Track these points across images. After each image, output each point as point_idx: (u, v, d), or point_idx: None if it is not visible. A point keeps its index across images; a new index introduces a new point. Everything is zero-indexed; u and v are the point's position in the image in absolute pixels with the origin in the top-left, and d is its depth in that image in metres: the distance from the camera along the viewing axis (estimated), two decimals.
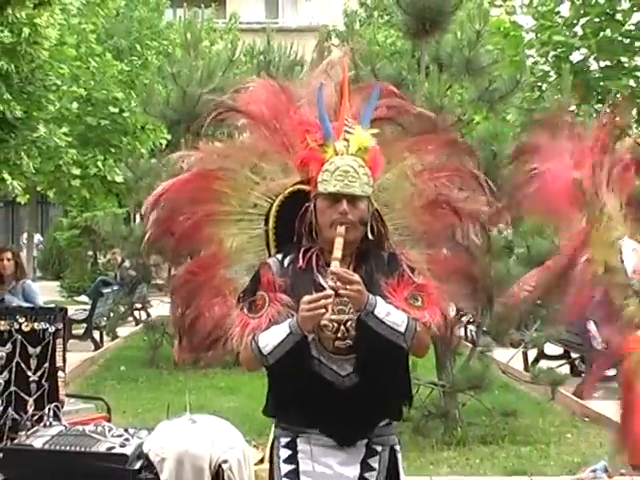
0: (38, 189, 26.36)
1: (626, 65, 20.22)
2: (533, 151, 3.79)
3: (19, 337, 5.95)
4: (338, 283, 3.38)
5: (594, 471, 6.34)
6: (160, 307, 14.70)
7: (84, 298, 20.19)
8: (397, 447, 3.70)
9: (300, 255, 3.60)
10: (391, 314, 3.46)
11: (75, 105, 21.42)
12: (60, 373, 6.06)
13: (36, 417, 5.76)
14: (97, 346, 16.29)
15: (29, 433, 5.39)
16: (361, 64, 9.41)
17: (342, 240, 3.46)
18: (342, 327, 3.45)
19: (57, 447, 5.16)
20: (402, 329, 3.46)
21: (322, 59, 4.16)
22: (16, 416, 5.83)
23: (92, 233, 24.42)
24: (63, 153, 19.93)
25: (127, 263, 19.27)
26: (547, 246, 9.24)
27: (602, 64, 20.32)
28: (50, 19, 15.67)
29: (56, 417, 5.69)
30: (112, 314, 17.50)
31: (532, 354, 13.64)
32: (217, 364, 11.72)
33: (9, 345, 5.94)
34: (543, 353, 13.65)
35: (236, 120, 3.93)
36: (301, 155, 3.66)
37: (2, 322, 5.99)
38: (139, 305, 18.15)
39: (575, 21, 20.24)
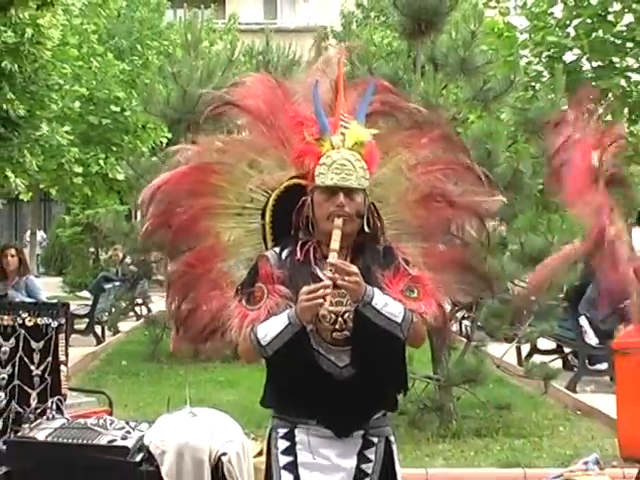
0: (41, 187, 26.31)
1: (618, 65, 20.20)
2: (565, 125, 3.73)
3: (22, 332, 5.95)
4: (336, 274, 3.37)
5: (586, 463, 6.34)
6: (161, 302, 14.66)
7: (86, 294, 20.21)
8: (392, 438, 3.71)
9: (298, 248, 3.60)
10: (388, 305, 3.46)
11: (77, 104, 21.37)
12: (63, 367, 6.06)
13: (39, 410, 5.76)
14: (99, 341, 16.31)
15: (32, 426, 5.39)
16: (358, 64, 9.41)
17: (340, 232, 3.45)
18: (339, 318, 3.44)
19: (60, 439, 5.16)
20: (399, 320, 3.46)
21: (327, 60, 4.16)
22: (19, 409, 5.83)
23: (94, 230, 24.41)
24: (65, 151, 19.91)
25: (128, 259, 19.30)
26: (540, 243, 9.26)
27: (594, 64, 20.29)
28: (53, 20, 15.65)
29: (59, 410, 5.69)
30: (113, 309, 17.47)
31: (525, 349, 13.67)
32: (215, 356, 11.72)
33: (13, 340, 5.95)
34: (536, 348, 13.67)
35: (233, 114, 3.92)
36: (298, 149, 3.66)
37: (6, 317, 5.99)
38: (140, 300, 18.15)
39: (568, 22, 20.21)
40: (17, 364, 5.92)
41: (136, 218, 23.81)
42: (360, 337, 3.46)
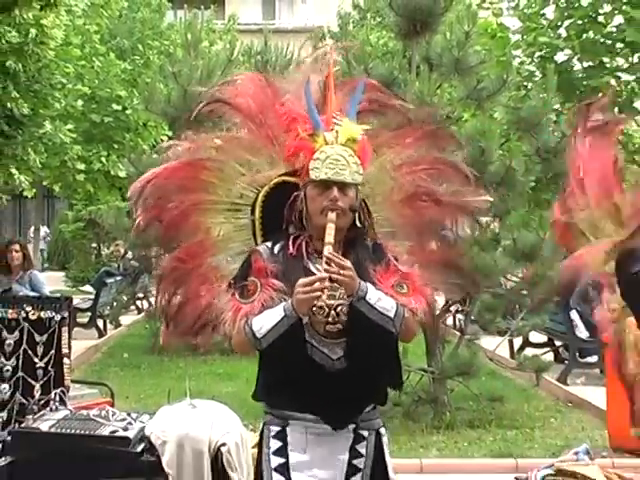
0: (44, 183, 26.32)
1: (608, 65, 20.21)
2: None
3: (26, 325, 5.94)
4: (331, 267, 3.36)
5: (576, 454, 6.33)
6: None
7: (88, 288, 20.13)
8: (382, 430, 3.68)
9: (290, 242, 3.58)
10: (381, 300, 3.45)
11: (80, 103, 21.39)
12: (65, 360, 6.06)
13: (43, 402, 5.76)
14: (101, 334, 16.32)
15: (36, 417, 5.39)
16: (354, 64, 9.41)
17: (333, 226, 3.44)
18: (332, 312, 3.40)
19: (63, 430, 5.16)
20: (391, 314, 3.45)
21: (317, 59, 4.15)
22: (23, 400, 5.84)
23: (96, 226, 24.35)
24: (68, 149, 19.89)
25: (129, 254, 19.26)
26: (532, 238, 9.27)
27: (585, 64, 20.30)
28: (56, 20, 15.62)
29: (62, 402, 5.68)
30: (115, 303, 17.46)
31: (518, 342, 13.69)
32: (207, 348, 11.74)
33: (17, 333, 5.94)
34: (528, 341, 13.69)
35: (223, 112, 3.90)
36: (292, 144, 3.64)
37: (10, 311, 5.98)
38: (141, 295, 18.13)
39: (559, 23, 20.22)
40: (21, 356, 5.92)
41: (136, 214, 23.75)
42: (354, 331, 3.44)
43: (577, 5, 19.74)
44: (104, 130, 24.32)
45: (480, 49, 10.26)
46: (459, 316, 13.13)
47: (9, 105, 15.07)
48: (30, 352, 5.93)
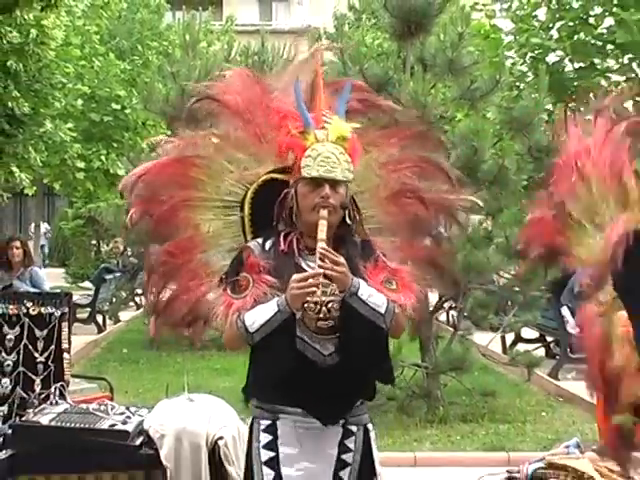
0: (44, 181, 26.28)
1: (598, 66, 20.24)
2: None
3: (27, 320, 5.93)
4: (325, 263, 3.34)
5: (567, 447, 6.32)
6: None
7: (88, 284, 20.18)
8: (370, 426, 3.66)
9: (281, 239, 3.56)
10: (373, 296, 3.44)
11: (80, 102, 21.36)
12: (65, 355, 6.05)
13: (43, 396, 5.75)
14: (100, 329, 16.32)
15: (36, 411, 5.39)
16: (350, 64, 9.41)
17: (326, 223, 3.43)
18: (324, 308, 3.39)
19: (63, 424, 5.15)
20: (382, 310, 3.44)
21: (306, 58, 4.14)
22: (24, 395, 5.83)
23: (95, 223, 24.37)
24: (68, 147, 19.87)
25: (129, 251, 19.27)
26: None
27: (576, 65, 20.33)
28: (56, 21, 15.60)
29: (62, 396, 5.68)
30: (114, 299, 17.51)
31: (510, 338, 13.69)
32: (200, 342, 11.74)
33: (17, 328, 5.93)
34: (520, 337, 13.69)
35: (212, 109, 3.87)
36: (283, 141, 3.62)
37: (11, 306, 5.97)
38: (140, 291, 18.11)
39: (551, 25, 20.23)
40: (22, 351, 5.91)
41: None
42: (346, 326, 3.42)
43: (568, 7, 19.76)
44: (103, 129, 24.30)
45: (473, 50, 10.25)
46: (452, 312, 13.18)
47: (10, 104, 15.05)
48: (31, 347, 5.92)
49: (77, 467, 5.05)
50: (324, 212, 3.45)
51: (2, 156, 15.95)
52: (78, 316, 15.32)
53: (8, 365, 5.89)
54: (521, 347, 12.67)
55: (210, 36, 26.21)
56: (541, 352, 12.71)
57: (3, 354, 5.88)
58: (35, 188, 25.62)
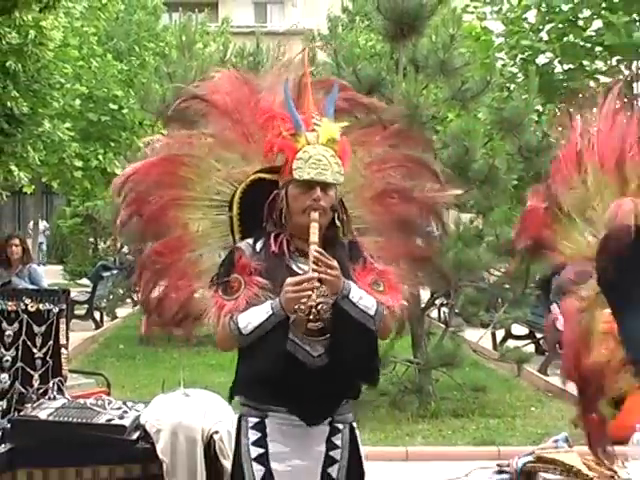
0: (43, 180, 26.24)
1: (587, 68, 20.30)
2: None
3: (25, 317, 5.91)
4: (319, 267, 3.32)
5: (556, 441, 6.32)
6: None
7: (86, 281, 20.13)
8: (354, 424, 3.65)
9: (271, 240, 3.52)
10: (363, 298, 3.42)
11: (78, 102, 21.33)
12: (63, 350, 6.03)
13: (41, 391, 5.73)
14: (97, 326, 16.32)
15: (35, 405, 5.37)
16: (343, 65, 9.41)
17: (317, 225, 3.40)
18: (313, 310, 3.35)
19: (61, 418, 5.14)
20: (372, 313, 3.42)
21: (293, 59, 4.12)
22: (23, 390, 5.80)
23: (93, 221, 24.35)
24: (66, 147, 19.86)
25: (125, 249, 19.24)
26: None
27: (565, 67, 20.38)
28: (55, 22, 15.58)
29: (60, 391, 5.67)
30: (112, 296, 17.51)
31: (500, 334, 13.71)
32: (192, 340, 11.74)
33: (16, 324, 5.91)
34: (510, 333, 13.72)
35: (200, 108, 3.81)
36: (275, 143, 3.57)
37: (10, 303, 5.95)
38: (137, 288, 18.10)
39: (541, 27, 20.29)
40: (20, 347, 5.89)
41: None
42: (337, 329, 3.40)
43: (558, 10, 19.81)
44: (101, 128, 24.28)
45: (464, 52, 10.26)
46: (444, 309, 13.19)
47: (9, 104, 15.04)
48: (29, 343, 5.89)
49: (75, 461, 5.03)
50: (315, 215, 3.42)
51: (1, 155, 15.94)
52: (76, 312, 15.34)
53: (7, 360, 5.87)
54: (511, 343, 12.70)
55: (206, 37, 26.20)
56: (531, 348, 12.75)
57: (2, 350, 5.85)
58: (34, 187, 25.60)
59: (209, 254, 3.74)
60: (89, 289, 17.03)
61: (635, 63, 20.23)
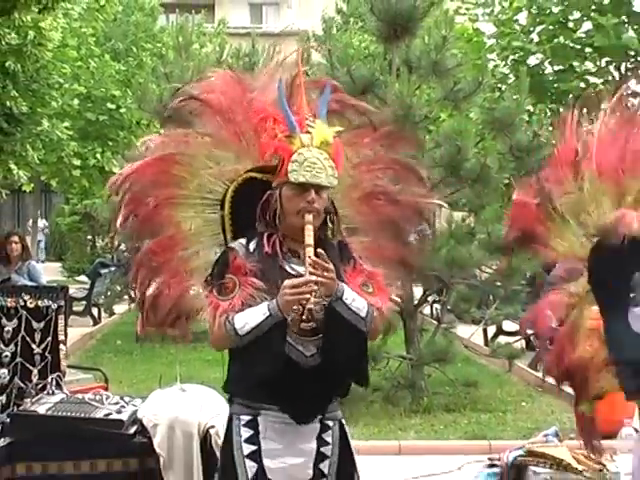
0: (42, 178, 26.23)
1: (577, 69, 20.32)
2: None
3: (24, 313, 5.91)
4: (316, 270, 3.30)
5: (546, 436, 6.35)
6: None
7: (84, 278, 20.14)
8: (343, 421, 3.64)
9: (265, 241, 3.49)
10: (355, 300, 3.40)
11: (76, 102, 21.34)
12: (62, 346, 6.02)
13: (40, 386, 5.73)
14: (95, 322, 16.32)
15: (34, 400, 5.37)
16: (338, 65, 9.41)
17: (312, 227, 3.39)
18: (306, 310, 3.33)
19: (59, 413, 5.14)
20: (363, 314, 3.41)
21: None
22: (22, 385, 5.80)
23: (91, 219, 24.33)
24: (65, 146, 19.86)
25: (123, 246, 19.22)
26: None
27: (556, 68, 20.40)
28: (53, 23, 15.55)
29: (58, 386, 5.66)
30: (109, 293, 17.50)
31: (491, 330, 13.72)
32: (184, 338, 11.74)
33: (15, 320, 5.90)
34: (501, 330, 13.72)
35: (195, 108, 3.78)
36: (270, 145, 3.55)
37: (9, 299, 5.94)
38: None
39: (532, 28, 20.32)
40: (19, 343, 5.88)
41: None
42: (330, 330, 3.38)
43: (548, 12, 19.84)
44: (99, 128, 24.29)
45: (457, 53, 10.27)
46: (436, 306, 13.21)
47: (8, 104, 15.03)
48: (28, 339, 5.89)
49: (73, 455, 5.03)
50: (309, 217, 3.41)
51: (1, 154, 15.93)
52: (74, 309, 15.31)
53: (6, 356, 5.86)
54: (502, 339, 12.69)
55: (202, 38, 26.15)
56: (522, 344, 12.74)
57: (1, 345, 5.85)
58: (33, 185, 25.60)
59: (202, 252, 3.72)
60: (87, 286, 17.03)
61: (624, 64, 20.27)
